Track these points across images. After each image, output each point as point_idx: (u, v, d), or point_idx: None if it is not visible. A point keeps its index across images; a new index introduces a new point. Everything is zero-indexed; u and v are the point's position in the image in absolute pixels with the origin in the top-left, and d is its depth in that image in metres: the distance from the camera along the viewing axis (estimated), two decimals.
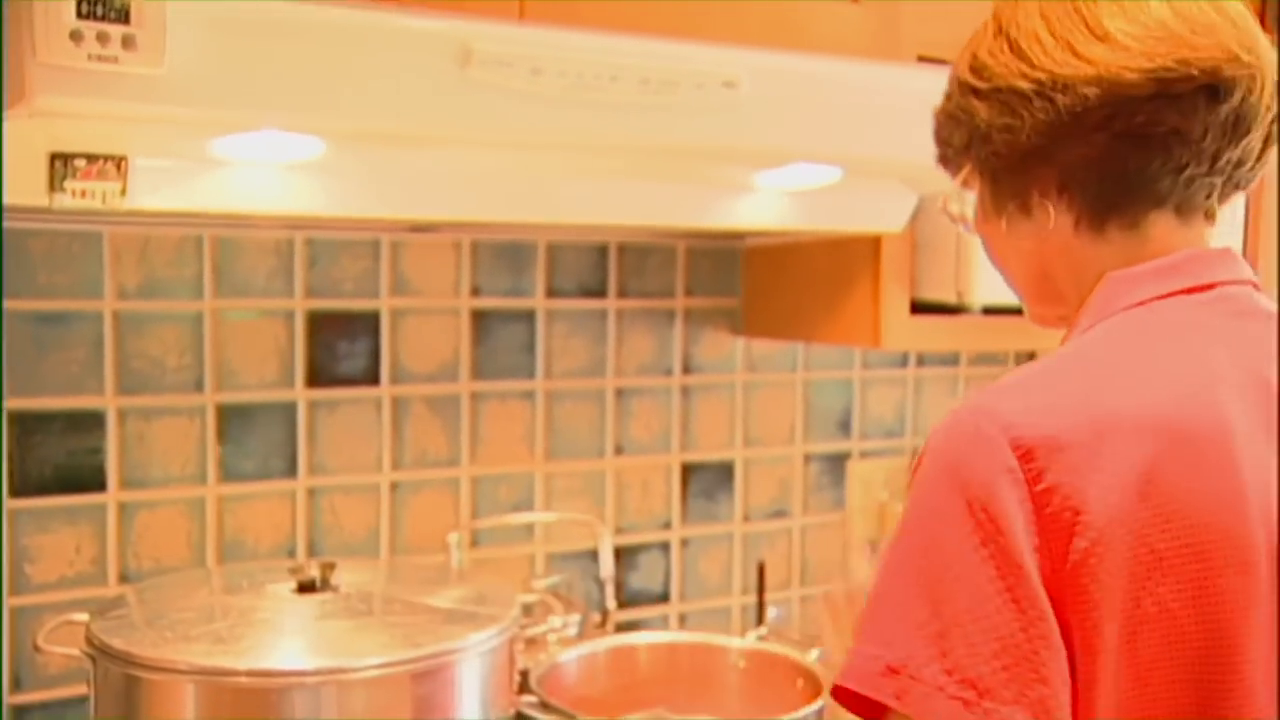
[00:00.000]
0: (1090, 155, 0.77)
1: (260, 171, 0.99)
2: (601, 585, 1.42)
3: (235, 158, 0.98)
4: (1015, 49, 0.79)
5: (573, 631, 1.33)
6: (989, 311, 1.46)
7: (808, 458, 1.73)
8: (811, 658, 1.24)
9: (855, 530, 1.77)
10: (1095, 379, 0.72)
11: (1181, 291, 0.78)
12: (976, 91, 0.81)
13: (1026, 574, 0.66)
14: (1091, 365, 0.74)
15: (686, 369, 1.63)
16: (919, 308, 1.44)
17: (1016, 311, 1.51)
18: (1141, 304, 0.77)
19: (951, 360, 1.84)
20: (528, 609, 1.35)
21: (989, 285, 1.41)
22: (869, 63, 1.18)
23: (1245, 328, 0.77)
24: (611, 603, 1.41)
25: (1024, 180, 0.80)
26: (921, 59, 1.35)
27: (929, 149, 1.25)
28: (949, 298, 1.42)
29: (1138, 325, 0.76)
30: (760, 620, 1.60)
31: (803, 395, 1.72)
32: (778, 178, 1.20)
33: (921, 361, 1.81)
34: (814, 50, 1.18)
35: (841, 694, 0.70)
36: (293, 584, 1.03)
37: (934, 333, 1.45)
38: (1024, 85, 0.77)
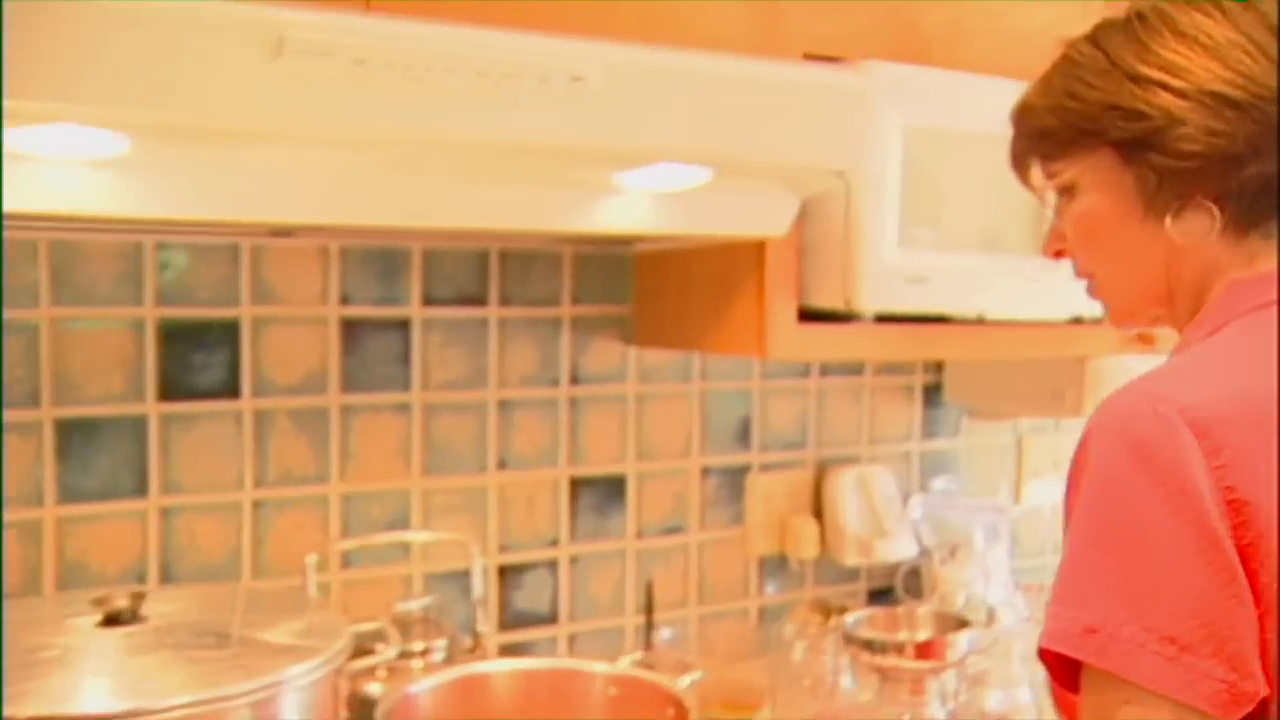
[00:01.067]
0: (1266, 170, 0.80)
1: (62, 169, 0.92)
2: (477, 607, 1.35)
3: (32, 154, 0.90)
4: (1215, 54, 0.80)
5: (439, 657, 1.26)
6: (882, 319, 1.41)
7: (705, 471, 1.67)
8: (684, 684, 1.18)
9: (755, 546, 1.71)
10: (1252, 367, 0.76)
11: None
12: (1168, 88, 0.81)
13: (1218, 538, 0.70)
14: (1244, 355, 0.78)
15: (574, 380, 1.57)
16: (808, 316, 1.38)
17: (910, 320, 1.48)
18: (1267, 305, 0.81)
19: (855, 370, 1.79)
20: (403, 632, 1.28)
21: (878, 292, 1.36)
22: (741, 58, 1.12)
23: None
24: (484, 626, 1.34)
25: (1196, 183, 0.81)
26: (808, 56, 1.30)
27: (815, 149, 1.21)
28: (837, 305, 1.37)
29: (1265, 324, 0.80)
30: (648, 643, 1.53)
31: (699, 406, 1.66)
32: (641, 179, 1.14)
33: (824, 371, 1.76)
34: (690, 46, 1.12)
35: (1047, 656, 0.74)
36: (98, 616, 0.95)
37: (823, 342, 1.39)
38: (1236, 94, 0.79)
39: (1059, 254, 0.94)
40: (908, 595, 1.78)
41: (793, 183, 1.24)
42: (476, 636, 1.33)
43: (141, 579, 1.32)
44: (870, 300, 1.36)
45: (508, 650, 1.54)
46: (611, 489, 1.61)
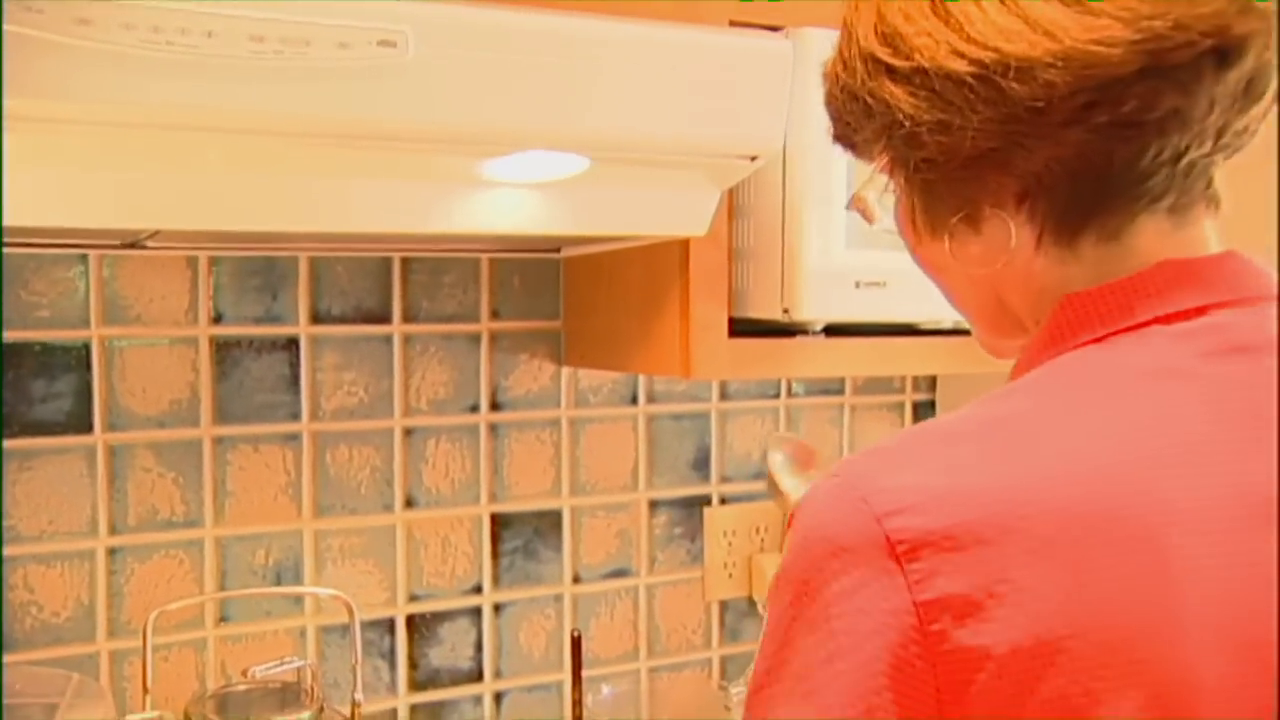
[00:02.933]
0: (1061, 155, 0.58)
1: None
2: (355, 671, 1.16)
3: None
4: (942, 11, 0.57)
5: None
6: (833, 332, 1.20)
7: (653, 505, 1.47)
8: None
9: (715, 589, 1.51)
10: (1014, 452, 0.54)
11: (1157, 321, 0.58)
12: (892, 71, 0.59)
13: (880, 704, 0.52)
14: (1011, 431, 0.55)
15: (496, 405, 1.38)
16: (744, 329, 1.18)
17: (866, 332, 1.27)
18: (1099, 340, 0.59)
19: (834, 387, 1.58)
20: (257, 703, 1.10)
21: (824, 299, 1.16)
22: (616, 20, 0.93)
23: (1230, 373, 0.57)
24: (360, 694, 1.15)
25: (969, 190, 0.61)
26: (734, 24, 1.10)
27: (723, 129, 1.01)
28: (775, 315, 1.16)
29: (1084, 373, 0.58)
30: (578, 705, 1.33)
31: (646, 432, 1.46)
32: (508, 169, 0.95)
33: (797, 389, 1.55)
34: (588, 9, 0.93)
35: None
36: None
37: (761, 359, 1.19)
38: (961, 67, 0.57)
39: None
40: None
41: (707, 171, 1.04)
42: (354, 706, 1.14)
43: None
44: (814, 309, 1.15)
45: (422, 714, 1.35)
46: (543, 527, 1.41)
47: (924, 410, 1.64)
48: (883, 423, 1.61)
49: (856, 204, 0.74)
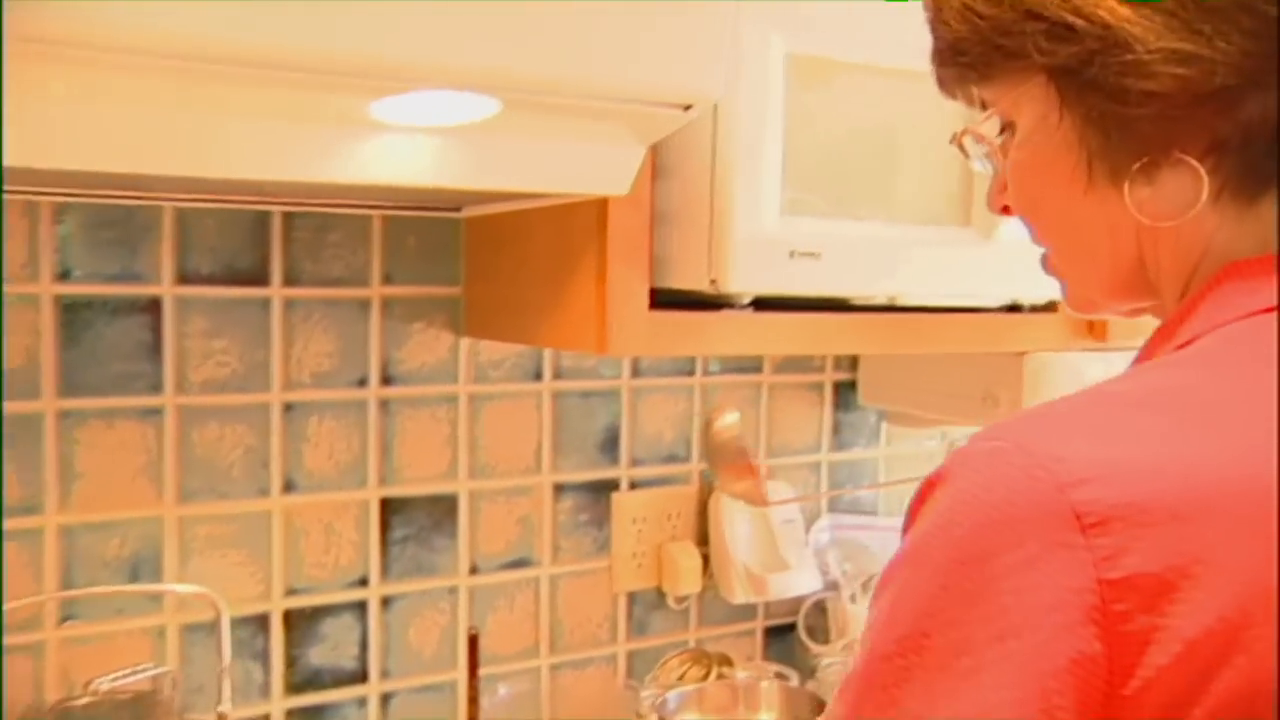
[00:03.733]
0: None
1: None
2: (222, 677, 1.03)
3: None
4: None
5: None
6: (763, 305, 1.10)
7: (558, 489, 1.36)
8: None
9: (623, 580, 1.40)
10: (1204, 424, 0.49)
11: None
12: None
13: (1056, 689, 0.45)
14: (1197, 403, 0.50)
15: (386, 379, 1.24)
16: (665, 300, 1.07)
17: (797, 306, 1.17)
18: (1270, 310, 0.53)
19: (751, 365, 1.48)
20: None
21: (754, 270, 1.05)
22: None
23: None
24: (227, 705, 1.01)
25: (1171, 132, 0.55)
26: None
27: (649, 74, 0.88)
28: (701, 286, 1.05)
29: (1267, 346, 0.52)
30: (473, 705, 1.21)
31: (550, 410, 1.34)
32: (403, 110, 0.82)
33: (712, 367, 1.45)
34: None
35: None
36: None
37: (684, 334, 1.08)
38: None
39: (1007, 209, 0.66)
40: (811, 638, 1.48)
41: (632, 122, 0.92)
42: (221, 718, 1.01)
43: None
44: (743, 280, 1.05)
45: (298, 719, 1.22)
46: (437, 513, 1.29)
47: (845, 391, 1.55)
48: (802, 403, 1.52)
49: (965, 139, 0.66)
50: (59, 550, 1.10)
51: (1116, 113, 0.55)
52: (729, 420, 1.12)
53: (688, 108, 0.87)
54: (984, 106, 0.63)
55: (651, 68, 0.83)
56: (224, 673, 1.02)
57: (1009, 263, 1.15)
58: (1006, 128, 0.62)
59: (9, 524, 1.07)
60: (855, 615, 1.45)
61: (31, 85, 0.72)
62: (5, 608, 0.97)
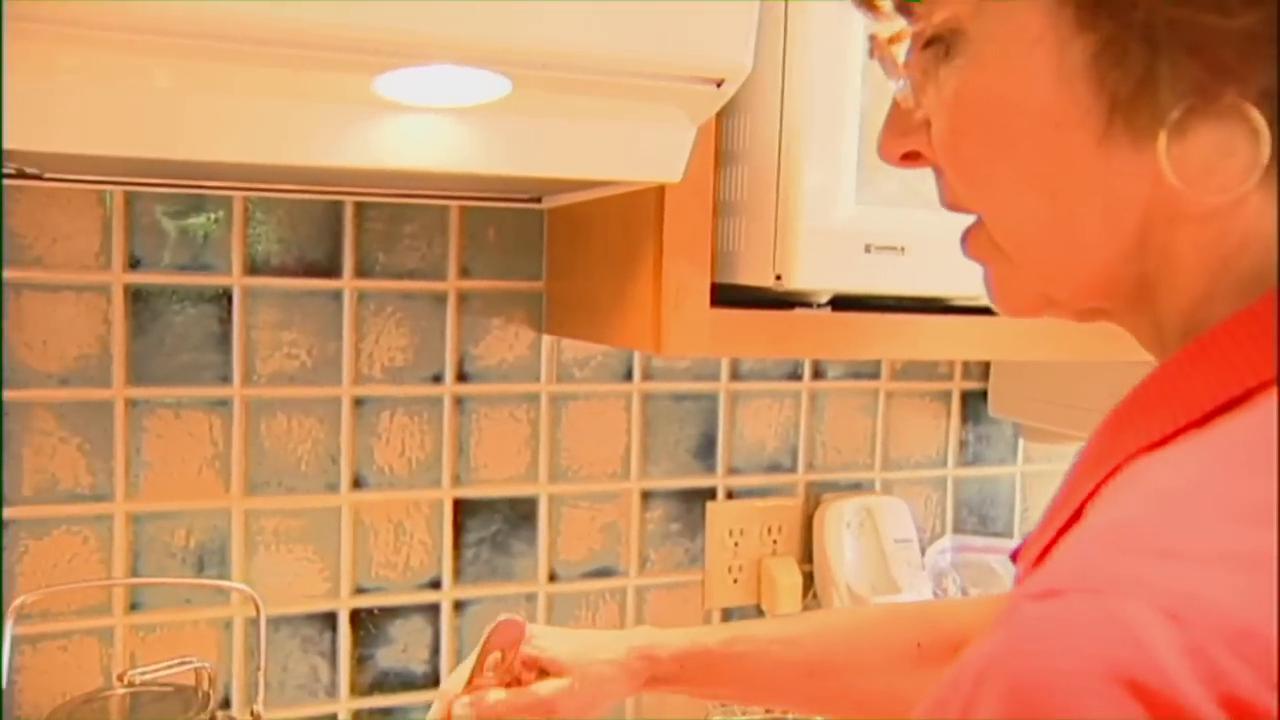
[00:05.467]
0: None
1: None
2: (259, 676, 1.00)
3: None
4: None
5: None
6: (841, 305, 1.00)
7: (646, 496, 1.29)
8: None
9: (716, 595, 1.32)
10: None
11: None
12: None
13: None
14: None
15: (462, 375, 1.20)
16: (729, 297, 0.98)
17: (877, 306, 1.06)
18: None
19: (868, 369, 1.36)
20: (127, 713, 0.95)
21: (827, 265, 0.95)
22: None
23: None
24: (260, 705, 0.99)
25: (1243, 65, 0.40)
26: None
27: (693, 48, 0.80)
28: (766, 282, 0.96)
29: None
30: None
31: (641, 413, 1.27)
32: (409, 88, 0.76)
33: (820, 371, 1.35)
34: None
35: None
36: None
37: (748, 335, 0.99)
38: None
39: (911, 158, 0.52)
40: None
41: (663, 100, 0.83)
42: (254, 717, 0.99)
43: None
44: (813, 276, 0.95)
45: (366, 719, 1.19)
46: (516, 516, 1.24)
47: (974, 402, 1.41)
48: (925, 413, 1.39)
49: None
50: (127, 538, 1.10)
51: (1201, 24, 0.40)
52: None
53: (720, 83, 0.78)
54: (903, 11, 0.48)
55: (675, 40, 0.75)
56: (261, 672, 1.00)
57: None
58: (937, 39, 0.47)
59: (79, 509, 1.08)
60: None
61: (31, 66, 0.71)
62: (26, 600, 0.97)
